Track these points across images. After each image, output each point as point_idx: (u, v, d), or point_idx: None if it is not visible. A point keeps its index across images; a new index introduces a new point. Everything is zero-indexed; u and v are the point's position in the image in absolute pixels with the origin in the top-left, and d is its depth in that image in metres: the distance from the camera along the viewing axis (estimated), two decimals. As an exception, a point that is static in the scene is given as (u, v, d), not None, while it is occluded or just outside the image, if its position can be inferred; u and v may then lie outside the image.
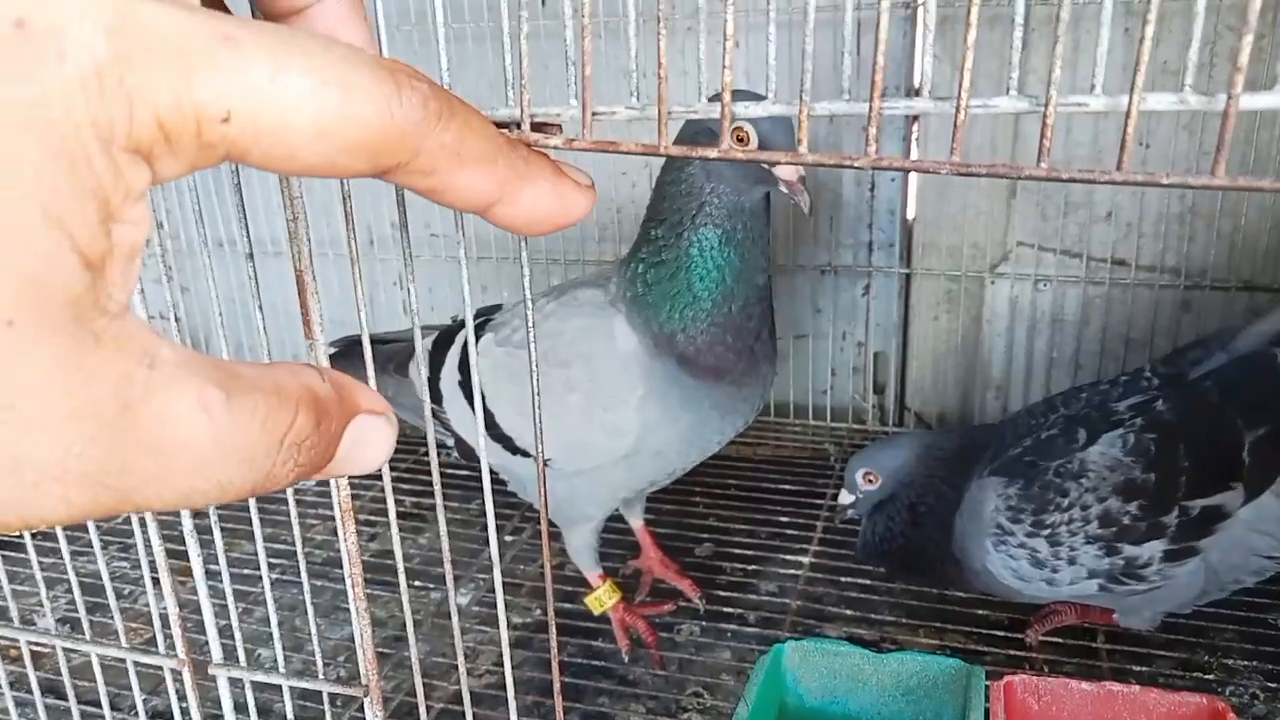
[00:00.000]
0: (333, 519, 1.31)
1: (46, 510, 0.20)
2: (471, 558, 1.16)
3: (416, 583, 1.13)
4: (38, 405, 0.19)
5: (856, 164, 0.35)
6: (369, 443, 0.26)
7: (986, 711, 0.54)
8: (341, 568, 1.19)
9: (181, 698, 0.60)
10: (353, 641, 1.05)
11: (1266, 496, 0.81)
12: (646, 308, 0.83)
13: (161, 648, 0.61)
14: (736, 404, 0.87)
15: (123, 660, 0.63)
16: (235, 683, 0.58)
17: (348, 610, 1.10)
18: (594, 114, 0.38)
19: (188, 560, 0.55)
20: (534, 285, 0.47)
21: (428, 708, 0.92)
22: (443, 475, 1.36)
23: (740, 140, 0.77)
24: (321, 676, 0.57)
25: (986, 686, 0.56)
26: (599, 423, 0.85)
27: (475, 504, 1.25)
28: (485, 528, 1.23)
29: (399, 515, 1.32)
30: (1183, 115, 1.14)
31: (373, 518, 1.26)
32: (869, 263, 1.34)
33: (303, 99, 0.23)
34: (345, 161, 0.25)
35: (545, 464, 0.90)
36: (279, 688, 0.58)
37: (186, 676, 0.59)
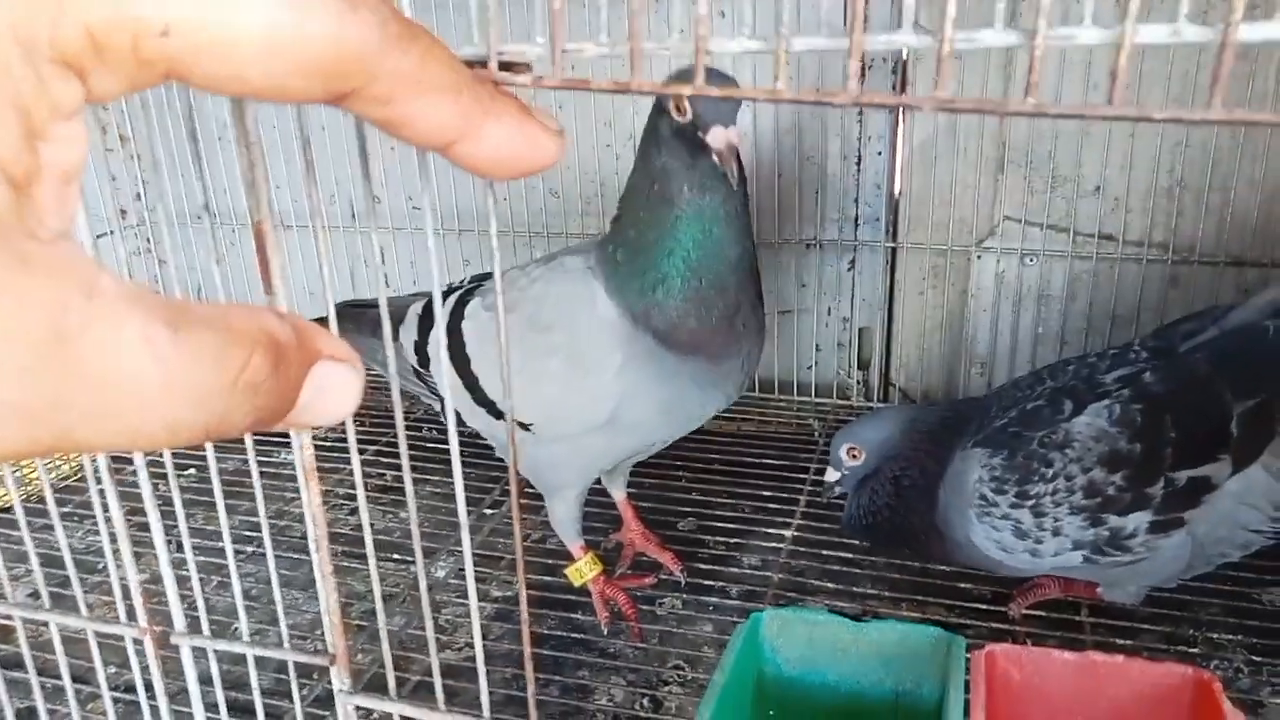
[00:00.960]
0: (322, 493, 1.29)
1: None
2: (453, 530, 1.14)
3: (396, 555, 1.12)
4: None
5: (836, 101, 0.34)
6: (332, 389, 0.25)
7: (967, 682, 0.53)
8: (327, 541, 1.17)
9: (145, 669, 0.58)
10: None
11: (1254, 469, 0.81)
12: (620, 283, 0.82)
13: (124, 617, 0.59)
14: (716, 379, 0.86)
15: (83, 632, 0.61)
16: (200, 654, 0.57)
17: (320, 648, 1.09)
18: (563, 51, 0.36)
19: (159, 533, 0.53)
20: (517, 258, 0.45)
21: (404, 680, 0.92)
22: (427, 448, 1.36)
23: (679, 110, 0.75)
24: (287, 646, 0.56)
25: (967, 657, 0.55)
26: (578, 389, 0.84)
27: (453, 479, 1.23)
28: (472, 502, 1.21)
29: (381, 489, 1.31)
30: (1173, 86, 1.12)
31: (353, 491, 1.24)
32: (855, 237, 1.32)
33: (251, 13, 0.21)
34: (297, 84, 0.23)
35: (526, 428, 0.89)
36: (257, 664, 0.56)
37: (148, 646, 0.57)
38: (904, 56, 1.23)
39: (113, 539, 0.54)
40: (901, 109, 1.26)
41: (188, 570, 0.57)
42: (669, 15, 1.26)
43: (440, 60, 0.26)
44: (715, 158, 0.75)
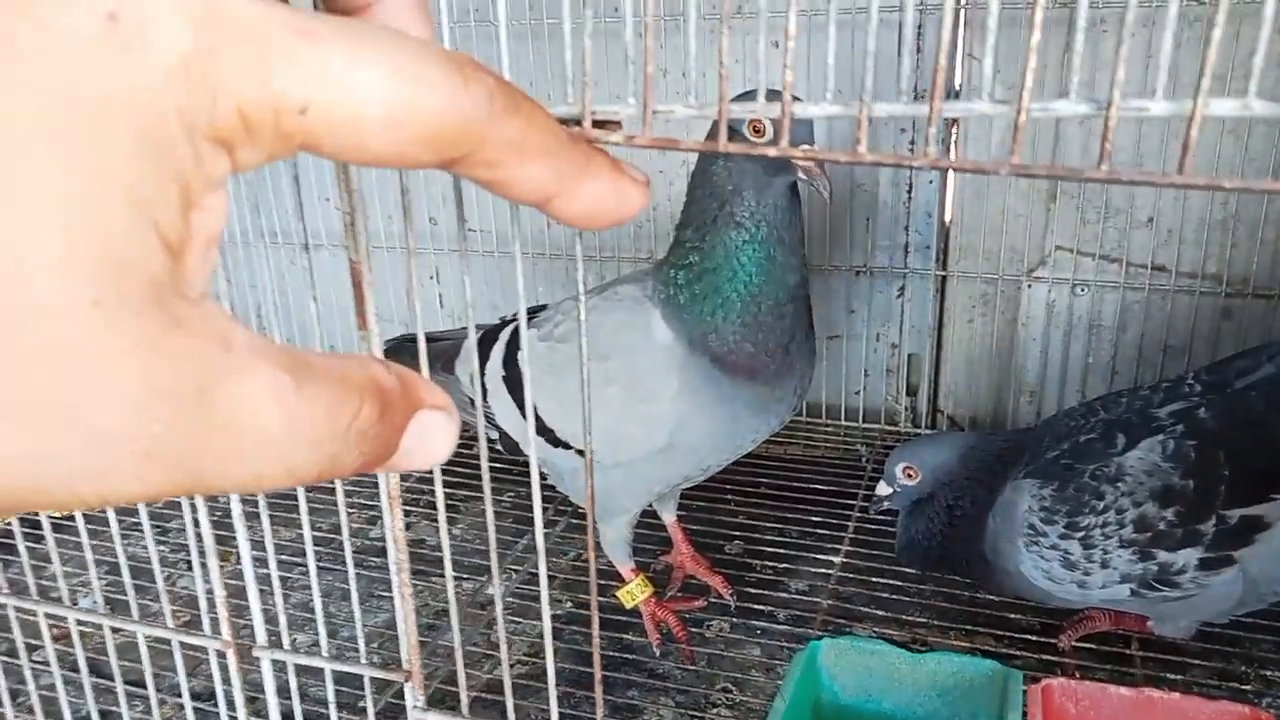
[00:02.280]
0: (368, 507, 1.33)
1: (122, 487, 0.20)
2: (504, 549, 1.17)
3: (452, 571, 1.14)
4: (119, 383, 0.19)
5: (915, 165, 0.35)
6: (432, 436, 0.27)
7: (1024, 715, 0.54)
8: (375, 555, 1.20)
9: (225, 679, 0.61)
10: (387, 628, 1.06)
11: (1309, 507, 0.81)
12: (678, 309, 0.84)
13: (206, 629, 0.62)
14: (770, 403, 0.87)
15: (168, 641, 0.64)
16: (278, 665, 0.59)
17: (382, 597, 1.12)
18: (654, 112, 0.39)
19: (231, 545, 0.56)
20: (568, 282, 0.47)
21: (467, 699, 0.94)
22: (478, 469, 1.38)
23: (757, 132, 0.77)
24: (364, 660, 0.58)
25: (1024, 690, 0.56)
26: (636, 415, 0.86)
27: (507, 497, 1.26)
28: (517, 520, 1.24)
29: (433, 506, 1.34)
30: (1227, 121, 1.12)
31: (407, 508, 1.27)
32: (905, 265, 1.33)
33: (376, 91, 0.23)
34: (414, 152, 0.26)
35: (582, 455, 0.91)
36: (318, 672, 0.59)
37: (231, 658, 0.60)
38: (957, 86, 1.24)
39: (201, 553, 0.57)
40: (953, 143, 1.27)
41: (270, 586, 0.59)
42: (752, 73, 1.28)
43: (541, 126, 0.28)
44: (803, 175, 0.78)
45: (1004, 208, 1.25)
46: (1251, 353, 0.88)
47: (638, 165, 0.37)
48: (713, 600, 1.06)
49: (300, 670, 0.71)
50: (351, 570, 0.57)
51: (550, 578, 1.12)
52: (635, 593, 0.98)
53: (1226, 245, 1.18)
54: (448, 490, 1.31)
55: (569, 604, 1.09)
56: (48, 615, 0.68)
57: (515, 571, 1.14)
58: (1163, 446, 0.82)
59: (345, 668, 0.58)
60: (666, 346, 0.84)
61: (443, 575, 1.14)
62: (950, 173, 1.29)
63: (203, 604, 0.60)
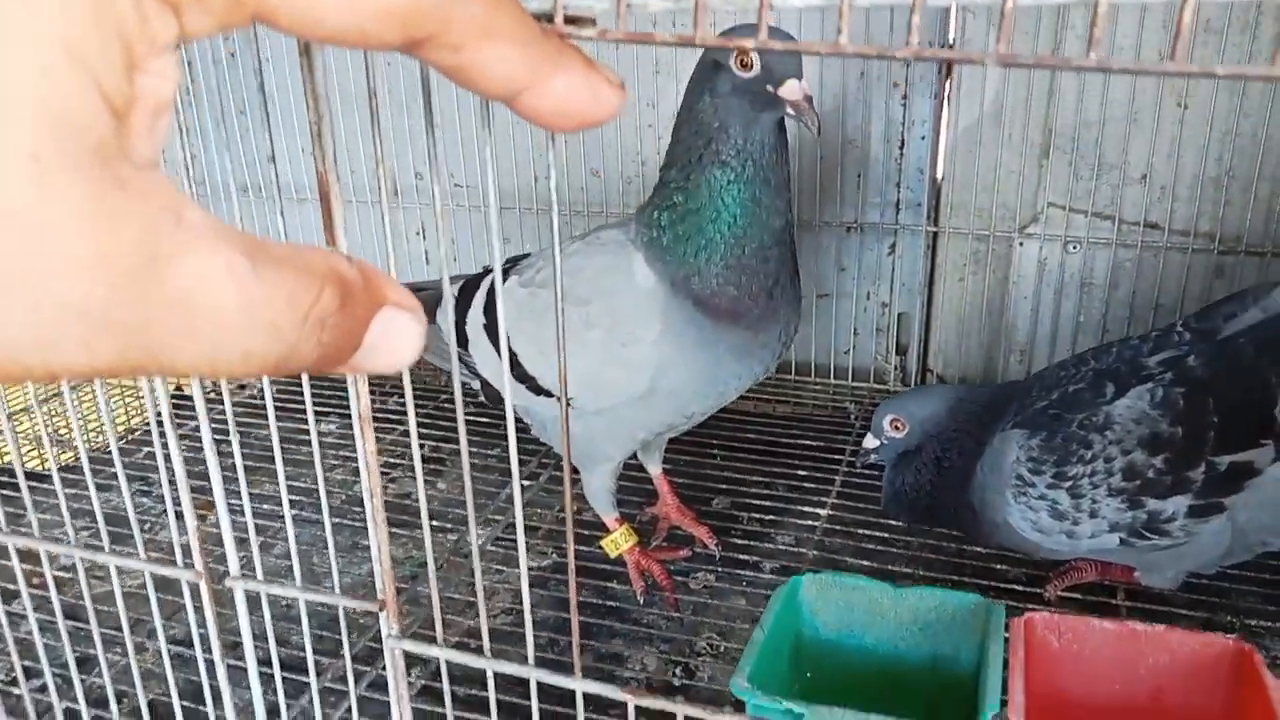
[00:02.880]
0: (350, 462, 1.31)
1: (69, 355, 0.20)
2: (489, 500, 1.16)
3: (433, 523, 1.13)
4: (61, 243, 0.18)
5: (899, 55, 0.34)
6: (395, 335, 0.26)
7: (1006, 648, 0.53)
8: (357, 508, 1.19)
9: (201, 622, 0.60)
10: (370, 578, 1.05)
11: (1298, 455, 0.80)
12: (661, 251, 0.83)
13: (179, 562, 0.61)
14: (753, 348, 0.86)
15: (141, 577, 0.63)
16: (252, 597, 0.58)
17: (365, 549, 1.11)
18: (628, 5, 0.37)
19: (209, 496, 0.55)
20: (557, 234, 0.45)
21: (444, 639, 0.93)
22: (467, 422, 1.37)
23: (744, 65, 0.76)
24: (338, 592, 0.57)
25: (1006, 623, 0.55)
26: (617, 359, 0.85)
27: (494, 450, 1.25)
28: (501, 473, 1.23)
29: (421, 461, 1.33)
30: (1224, 57, 1.11)
31: (392, 461, 1.26)
32: (896, 221, 1.32)
33: None
34: (376, 29, 0.24)
35: (568, 402, 0.90)
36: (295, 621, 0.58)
37: (204, 589, 0.59)
38: (950, 40, 1.22)
39: (172, 484, 0.56)
40: (946, 98, 1.25)
41: (243, 518, 0.58)
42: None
43: (509, 10, 0.27)
44: (791, 110, 0.75)
45: (997, 164, 1.23)
46: (1238, 297, 0.87)
47: (630, 118, 0.35)
48: (698, 551, 1.05)
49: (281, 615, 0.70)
50: (325, 502, 0.56)
51: (535, 529, 1.12)
52: (619, 542, 0.98)
53: (1220, 202, 1.17)
54: (434, 444, 1.30)
55: (555, 555, 1.08)
56: (18, 550, 0.67)
57: (497, 521, 1.13)
58: (1151, 394, 0.81)
59: (319, 597, 0.58)
60: (649, 289, 0.83)
61: (431, 529, 1.14)
62: (943, 129, 1.27)
63: (174, 533, 0.59)
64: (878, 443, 0.97)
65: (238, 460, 0.57)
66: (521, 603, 1.01)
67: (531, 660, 0.54)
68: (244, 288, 0.21)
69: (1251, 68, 0.31)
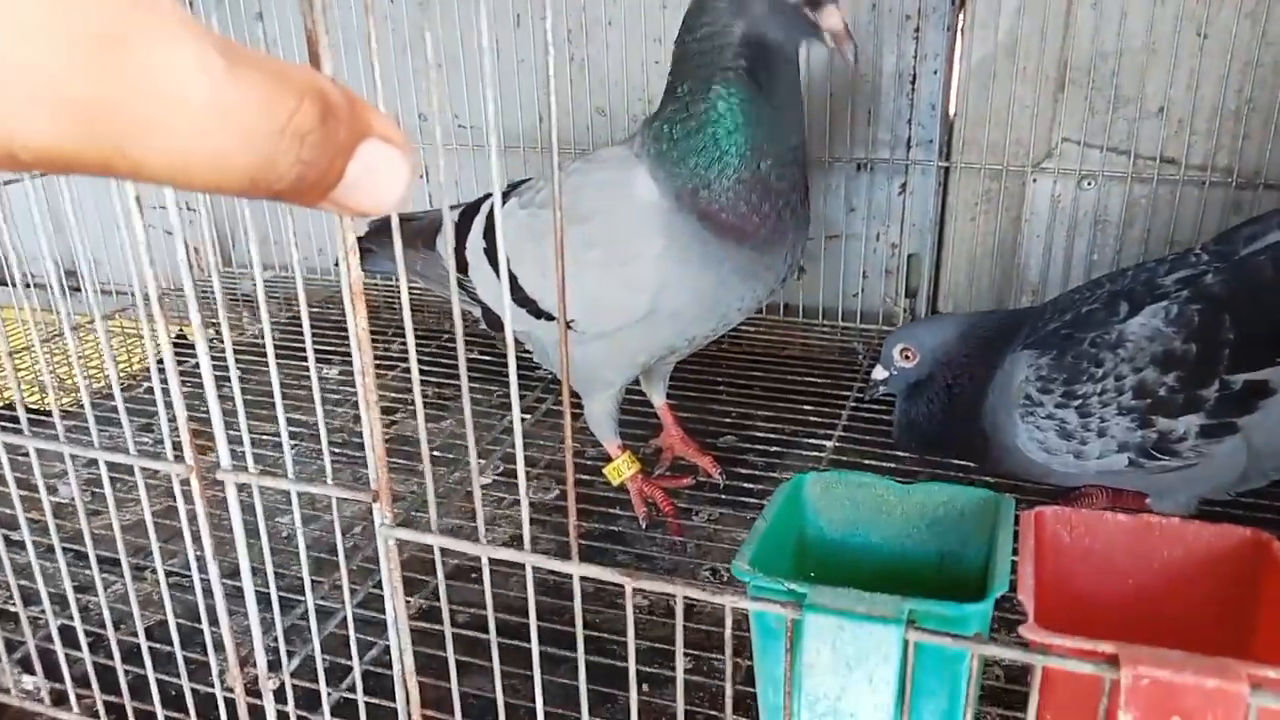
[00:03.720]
0: (352, 407, 1.29)
1: (30, 131, 0.19)
2: (484, 433, 1.15)
3: (437, 454, 1.13)
4: (17, 7, 0.18)
5: None
6: (380, 169, 0.25)
7: (1015, 540, 0.52)
8: (357, 451, 1.17)
9: (190, 510, 0.59)
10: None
11: (1316, 375, 0.78)
12: (670, 163, 0.81)
13: (170, 456, 0.59)
14: (758, 269, 0.84)
15: (131, 471, 0.62)
16: (243, 490, 0.57)
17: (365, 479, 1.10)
18: None
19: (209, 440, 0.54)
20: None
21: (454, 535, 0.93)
22: (472, 360, 1.35)
23: None
24: (330, 482, 0.56)
25: (1016, 516, 0.54)
26: (618, 278, 0.83)
27: (498, 385, 1.24)
28: (504, 410, 1.21)
29: (427, 401, 1.31)
30: (1245, 1, 1.08)
31: (393, 403, 1.25)
32: (907, 158, 1.30)
33: None
34: None
35: (568, 326, 0.89)
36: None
37: (194, 483, 0.58)
38: (965, -31, 1.20)
39: (161, 370, 0.55)
40: (959, 30, 1.22)
41: (235, 414, 0.57)
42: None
43: None
44: (828, 38, 0.75)
45: (1010, 98, 1.21)
46: (1262, 218, 0.85)
47: (637, 54, 0.33)
48: (702, 481, 1.04)
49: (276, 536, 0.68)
50: (317, 391, 0.54)
51: (534, 460, 1.11)
52: (621, 469, 0.96)
53: (1239, 135, 1.14)
54: (436, 388, 1.29)
55: (557, 489, 1.07)
56: (7, 446, 0.66)
57: (495, 451, 1.12)
58: (1165, 311, 0.79)
59: (311, 488, 0.56)
60: (651, 203, 0.81)
61: (438, 463, 1.12)
62: (956, 63, 1.24)
63: (164, 427, 0.58)
64: (887, 374, 0.95)
65: (234, 379, 0.55)
66: (522, 533, 1.00)
67: (527, 545, 0.52)
68: (216, 84, 0.20)
69: None
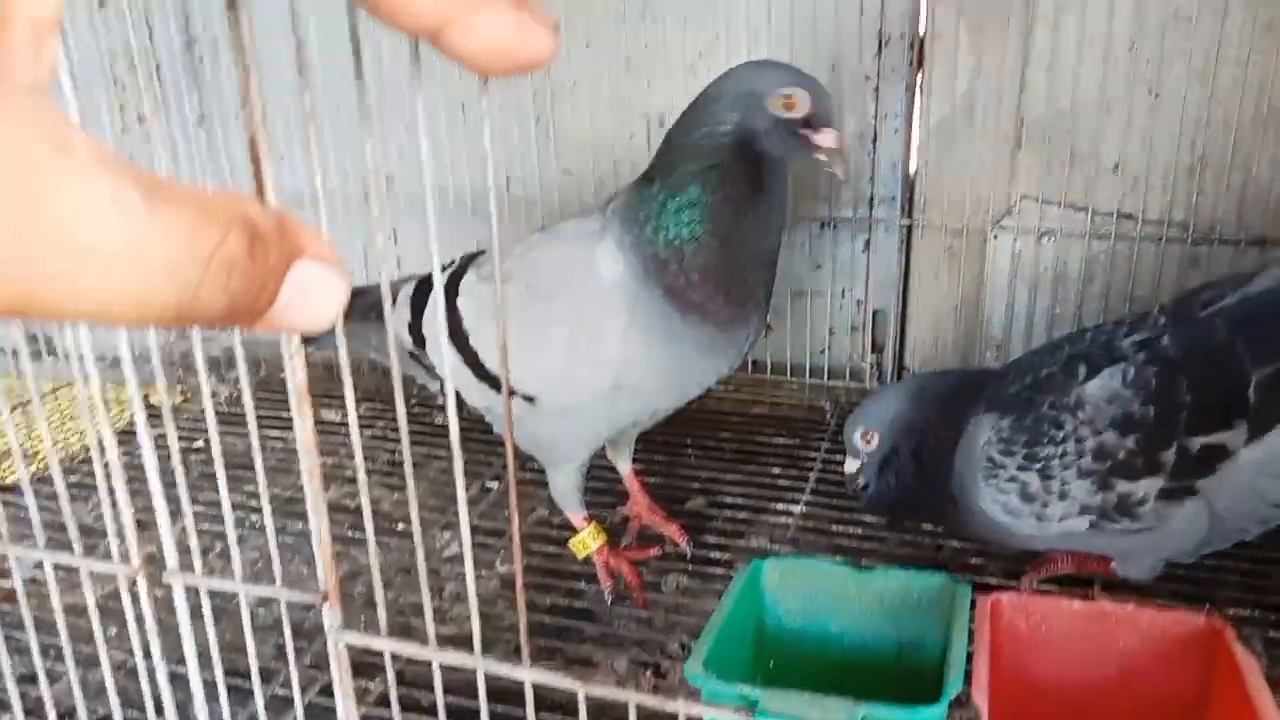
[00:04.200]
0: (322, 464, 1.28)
1: None
2: (451, 502, 1.14)
3: (401, 525, 1.11)
4: None
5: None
6: (313, 289, 0.24)
7: (971, 630, 0.51)
8: (331, 512, 1.16)
9: (141, 625, 0.57)
10: (343, 583, 1.03)
11: (1274, 437, 0.78)
12: (639, 231, 0.81)
13: (116, 558, 0.58)
14: (721, 346, 0.85)
15: (77, 573, 0.60)
16: (190, 592, 0.56)
17: (339, 556, 1.08)
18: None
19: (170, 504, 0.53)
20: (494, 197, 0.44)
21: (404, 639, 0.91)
22: (433, 426, 1.35)
23: (788, 106, 0.78)
24: (280, 584, 0.55)
25: (972, 603, 0.53)
26: (583, 354, 0.83)
27: (465, 454, 1.23)
28: (468, 476, 1.20)
29: (391, 465, 1.30)
30: (1195, 61, 1.10)
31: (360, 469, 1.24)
32: (870, 216, 1.31)
33: None
34: None
35: (531, 401, 0.88)
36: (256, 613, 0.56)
37: (141, 585, 0.57)
38: (921, 32, 1.22)
39: (106, 472, 0.54)
40: (918, 89, 1.24)
41: (180, 514, 0.56)
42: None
43: None
44: (823, 156, 0.80)
45: (969, 156, 1.22)
46: (1218, 283, 0.86)
47: (605, 118, 0.34)
48: (670, 551, 1.03)
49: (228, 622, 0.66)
50: (262, 483, 0.53)
51: (501, 532, 1.10)
52: (587, 542, 0.96)
53: (1193, 191, 1.16)
54: (402, 448, 1.27)
55: (525, 558, 1.05)
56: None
57: (470, 527, 1.11)
58: (1124, 374, 0.79)
59: (261, 590, 0.55)
60: (615, 279, 0.81)
61: (397, 534, 1.11)
62: (915, 122, 1.26)
63: (110, 528, 0.57)
64: (859, 463, 0.94)
65: (176, 464, 0.55)
66: (492, 607, 0.99)
67: (478, 650, 0.52)
68: (135, 223, 0.20)
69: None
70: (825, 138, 0.80)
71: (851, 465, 0.94)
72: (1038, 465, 0.79)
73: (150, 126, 1.51)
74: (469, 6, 0.26)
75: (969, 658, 0.48)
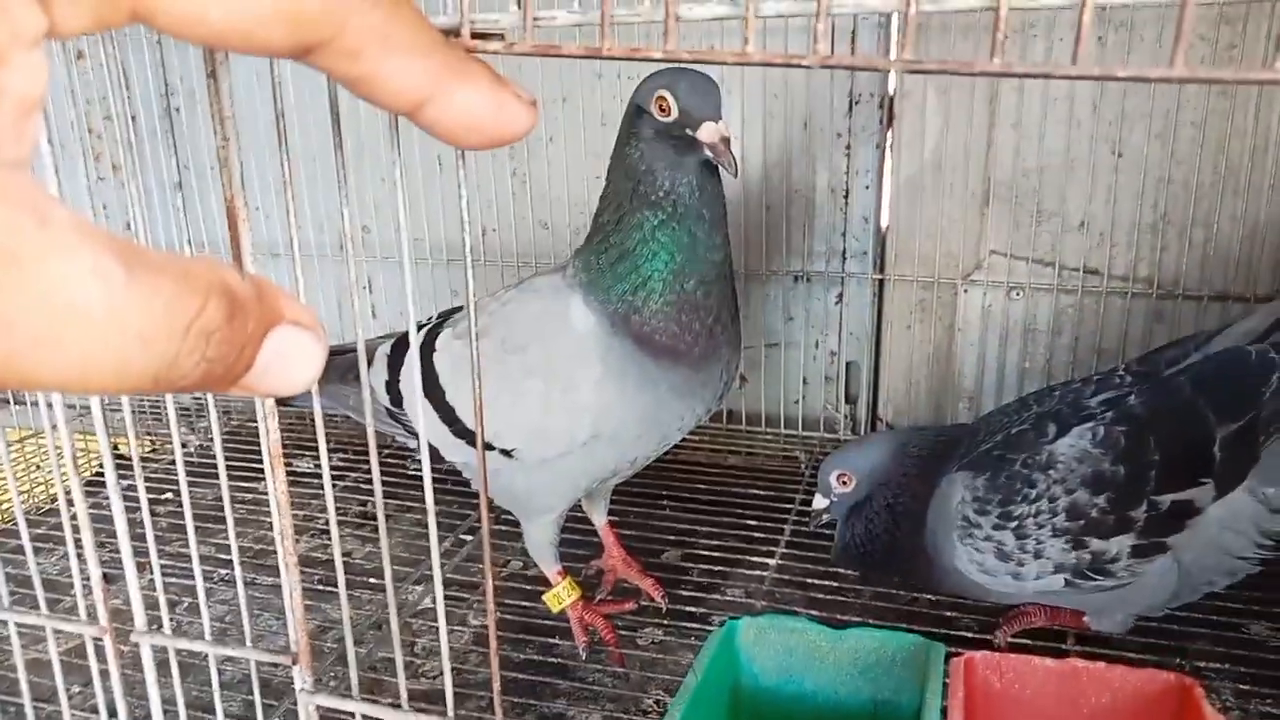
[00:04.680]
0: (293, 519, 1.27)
1: None
2: (425, 555, 1.13)
3: (374, 581, 1.10)
4: None
5: (804, 63, 0.34)
6: (291, 354, 0.24)
7: (945, 689, 0.52)
8: (307, 567, 1.15)
9: (106, 684, 0.57)
10: (311, 639, 1.02)
11: (1239, 494, 0.80)
12: (600, 290, 0.82)
13: (83, 616, 0.57)
14: (695, 387, 0.85)
15: (42, 631, 0.59)
16: (158, 651, 0.55)
17: (309, 606, 1.06)
18: (534, 19, 0.37)
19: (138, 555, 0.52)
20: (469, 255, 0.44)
21: (375, 701, 0.89)
22: (409, 477, 1.33)
23: (662, 110, 0.76)
24: (249, 644, 0.54)
25: (946, 663, 0.53)
26: (559, 406, 0.83)
27: (437, 505, 1.22)
28: (443, 529, 1.19)
29: (363, 516, 1.29)
30: (1155, 123, 1.14)
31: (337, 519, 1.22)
32: (842, 270, 1.33)
33: None
34: (263, 32, 0.23)
35: (509, 455, 0.88)
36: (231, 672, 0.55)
37: (108, 645, 0.56)
38: (890, 91, 1.24)
39: (74, 526, 0.53)
40: (888, 147, 1.27)
41: (151, 572, 0.56)
42: None
43: (408, 19, 0.26)
44: (709, 152, 0.75)
45: (939, 212, 1.24)
46: (1181, 342, 0.88)
47: (578, 166, 0.34)
48: (645, 604, 1.02)
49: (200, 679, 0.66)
50: (234, 541, 0.53)
51: (477, 584, 1.09)
52: (562, 596, 0.95)
53: (1157, 248, 1.19)
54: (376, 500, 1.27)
55: (498, 612, 1.05)
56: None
57: (444, 578, 1.10)
58: (1093, 433, 0.81)
59: (229, 651, 0.55)
60: (587, 331, 0.82)
61: (369, 588, 1.10)
62: (886, 179, 1.29)
63: (78, 587, 0.56)
64: (827, 501, 0.94)
65: (146, 519, 0.54)
66: (464, 662, 0.98)
67: (451, 712, 0.51)
68: (113, 293, 0.20)
69: (1151, 69, 0.30)
70: (704, 132, 0.75)
71: (820, 502, 0.95)
72: (1012, 524, 0.80)
73: (124, 177, 1.51)
74: (446, 85, 0.27)
75: (943, 715, 0.48)
